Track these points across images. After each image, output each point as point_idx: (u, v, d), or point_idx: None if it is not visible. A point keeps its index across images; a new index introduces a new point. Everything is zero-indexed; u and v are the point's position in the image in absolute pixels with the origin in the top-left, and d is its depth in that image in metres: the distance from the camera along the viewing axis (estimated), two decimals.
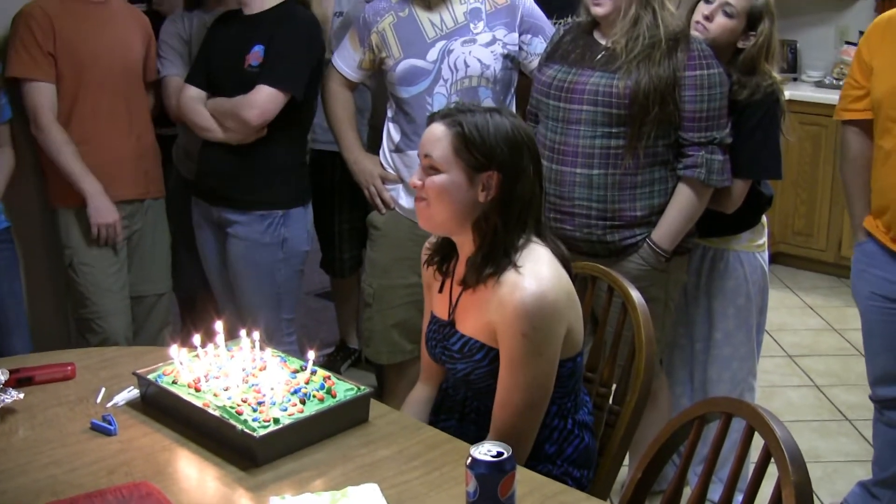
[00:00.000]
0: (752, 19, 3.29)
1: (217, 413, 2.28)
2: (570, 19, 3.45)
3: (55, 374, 2.65)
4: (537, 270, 2.31)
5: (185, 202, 3.93)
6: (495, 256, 2.35)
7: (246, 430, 2.20)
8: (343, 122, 3.82)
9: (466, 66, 3.52)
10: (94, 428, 2.37)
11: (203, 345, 2.51)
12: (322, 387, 2.40)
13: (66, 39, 3.59)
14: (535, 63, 3.53)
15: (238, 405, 2.30)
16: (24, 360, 2.80)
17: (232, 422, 2.23)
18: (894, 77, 3.13)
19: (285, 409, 2.28)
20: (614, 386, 2.69)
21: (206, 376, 2.44)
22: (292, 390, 2.37)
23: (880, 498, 3.48)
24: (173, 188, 4.11)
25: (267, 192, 3.68)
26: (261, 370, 2.47)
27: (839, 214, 6.32)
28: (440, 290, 2.56)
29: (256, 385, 2.39)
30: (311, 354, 2.47)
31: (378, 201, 3.73)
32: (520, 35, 3.59)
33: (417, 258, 2.66)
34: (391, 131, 3.69)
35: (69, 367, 2.67)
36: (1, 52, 3.66)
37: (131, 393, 2.53)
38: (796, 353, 5.30)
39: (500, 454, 1.84)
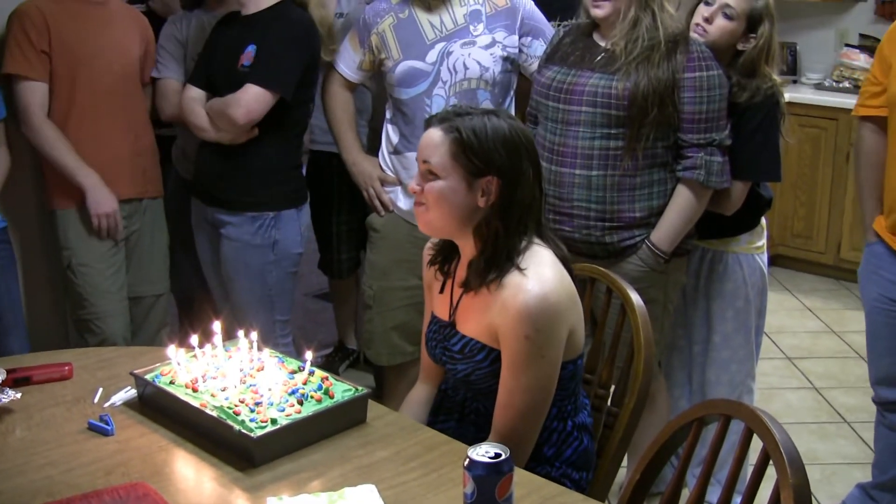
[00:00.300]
0: (752, 21, 3.28)
1: (214, 413, 2.27)
2: (571, 21, 3.45)
3: (52, 374, 2.64)
4: (540, 273, 2.31)
5: (183, 202, 3.93)
6: (498, 260, 2.35)
7: (243, 431, 2.19)
8: (342, 124, 3.82)
9: (466, 68, 3.52)
10: (92, 428, 2.37)
11: (201, 345, 2.51)
12: (320, 387, 2.39)
13: (62, 38, 3.58)
14: (535, 66, 3.53)
15: (235, 406, 2.29)
16: (21, 360, 2.80)
17: (229, 422, 2.23)
18: None
19: (283, 410, 2.28)
20: (613, 388, 2.69)
21: (203, 377, 2.43)
22: (290, 391, 2.36)
23: (879, 501, 3.48)
24: (172, 189, 4.11)
25: (258, 193, 3.67)
26: (258, 371, 2.47)
27: (838, 217, 6.33)
28: (441, 291, 2.55)
29: (254, 386, 2.38)
30: (309, 355, 2.46)
31: (377, 203, 3.73)
32: (520, 37, 3.59)
33: (417, 260, 2.65)
34: (390, 133, 3.69)
35: (66, 368, 2.66)
36: None
37: (128, 393, 2.53)
38: (795, 356, 5.29)
39: (497, 455, 1.83)
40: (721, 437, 2.07)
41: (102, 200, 3.67)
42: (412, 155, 3.51)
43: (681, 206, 3.23)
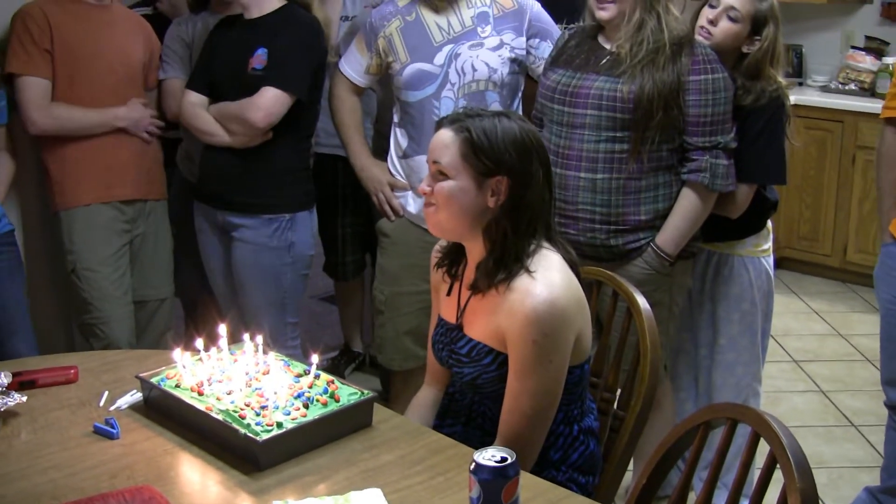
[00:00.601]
0: (757, 24, 3.28)
1: (220, 417, 2.27)
2: (576, 24, 3.44)
3: (58, 378, 2.64)
4: (549, 277, 2.31)
5: (188, 205, 3.92)
6: (506, 262, 2.34)
7: (249, 434, 2.19)
8: (350, 128, 3.81)
9: (474, 69, 3.51)
10: (97, 431, 2.36)
11: (206, 348, 2.51)
12: (325, 391, 2.39)
13: (64, 39, 3.59)
14: (542, 67, 3.52)
15: (241, 409, 2.29)
16: (26, 363, 2.79)
17: (235, 426, 2.22)
18: None
19: (288, 414, 2.28)
20: (619, 391, 2.69)
21: (209, 380, 2.43)
22: (296, 394, 2.36)
23: None
24: (176, 191, 4.10)
25: (274, 195, 3.68)
26: (264, 374, 2.47)
27: (844, 219, 6.32)
28: (448, 294, 2.55)
29: (260, 389, 2.38)
30: (315, 358, 2.46)
31: (387, 208, 3.72)
32: (527, 39, 3.58)
33: (427, 265, 2.65)
34: (398, 137, 3.68)
35: (72, 371, 2.66)
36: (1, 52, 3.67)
37: (134, 396, 2.53)
38: (801, 359, 5.28)
39: (503, 459, 1.83)
40: (728, 440, 2.06)
41: (134, 112, 3.76)
42: (421, 158, 3.51)
43: (686, 209, 3.22)
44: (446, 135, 2.36)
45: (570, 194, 3.20)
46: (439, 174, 2.36)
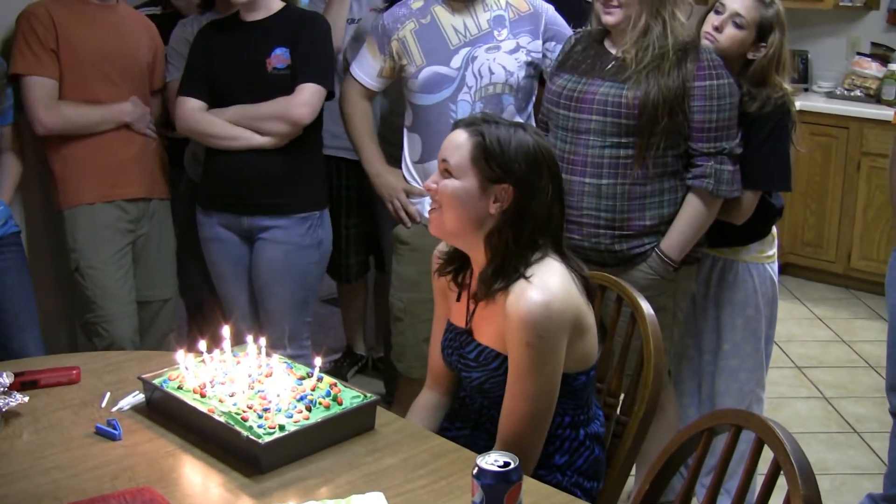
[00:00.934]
0: (763, 30, 3.27)
1: (222, 419, 2.27)
2: (583, 29, 3.44)
3: (60, 378, 2.64)
4: (545, 281, 2.31)
5: (194, 206, 3.89)
6: (505, 270, 2.35)
7: (251, 437, 2.19)
8: (363, 135, 3.77)
9: (491, 73, 3.49)
10: (99, 432, 2.36)
11: (209, 350, 2.51)
12: (328, 394, 2.39)
13: (68, 40, 3.59)
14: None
15: (243, 411, 2.29)
16: (29, 364, 2.80)
17: (237, 428, 2.22)
18: None
19: (291, 416, 2.27)
20: (622, 396, 2.68)
21: (211, 382, 2.43)
22: (298, 397, 2.36)
23: None
24: (183, 193, 4.10)
25: (306, 193, 3.70)
26: (267, 376, 2.46)
27: (849, 226, 6.31)
28: (458, 299, 2.56)
29: (262, 391, 2.38)
30: (318, 361, 2.46)
31: (403, 215, 3.68)
32: (543, 42, 3.56)
33: None
34: (411, 142, 3.65)
35: (74, 371, 2.66)
36: (4, 50, 3.67)
37: (136, 397, 2.53)
38: (804, 365, 5.28)
39: (506, 464, 1.83)
40: (731, 447, 2.06)
41: (139, 109, 3.78)
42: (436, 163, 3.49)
43: (690, 214, 3.22)
44: (460, 136, 2.38)
45: (574, 199, 3.19)
46: (446, 172, 2.38)
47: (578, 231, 3.21)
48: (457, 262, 2.55)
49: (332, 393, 2.39)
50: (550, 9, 3.62)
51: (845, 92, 6.60)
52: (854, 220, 6.30)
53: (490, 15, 3.53)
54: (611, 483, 2.55)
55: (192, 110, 3.62)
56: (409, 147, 3.66)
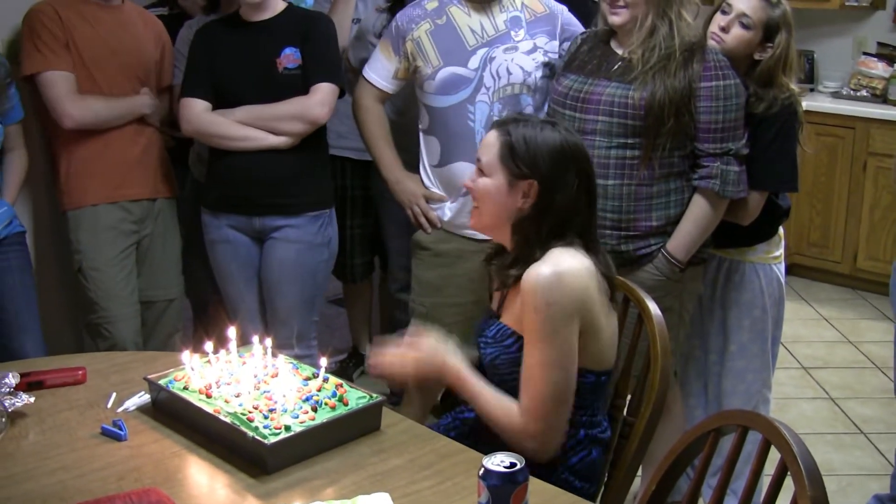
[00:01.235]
0: (769, 31, 3.26)
1: (228, 420, 2.27)
2: (589, 29, 3.43)
3: (66, 379, 2.64)
4: (557, 258, 2.40)
5: (199, 206, 3.89)
6: (525, 259, 2.45)
7: (257, 438, 2.19)
8: (380, 140, 3.72)
9: (509, 73, 3.46)
10: (105, 433, 2.36)
11: (215, 351, 2.50)
12: (334, 394, 2.39)
13: (74, 39, 3.59)
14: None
15: (249, 412, 2.29)
16: (34, 364, 2.79)
17: (243, 429, 2.22)
18: None
19: (297, 417, 2.27)
20: (629, 397, 2.68)
21: (217, 382, 2.43)
22: (304, 398, 2.36)
23: None
24: (188, 193, 4.10)
25: (317, 191, 3.71)
26: (272, 377, 2.47)
27: (855, 226, 6.31)
28: (496, 288, 2.68)
29: (268, 392, 2.38)
30: (324, 361, 2.46)
31: (423, 221, 3.64)
32: (560, 43, 3.54)
33: (466, 275, 2.71)
34: (429, 145, 3.60)
35: (80, 372, 2.66)
36: (10, 52, 3.67)
37: (142, 398, 2.53)
38: (811, 366, 5.27)
39: (512, 465, 1.82)
40: (738, 447, 2.05)
41: (155, 105, 3.83)
42: (458, 165, 3.48)
43: (697, 215, 3.21)
44: (492, 136, 2.53)
45: None
46: (480, 171, 2.54)
47: None
48: (499, 253, 2.66)
49: (338, 393, 2.39)
50: (566, 10, 3.61)
51: (851, 92, 6.59)
52: (860, 220, 6.29)
53: (507, 16, 3.51)
54: (617, 484, 2.55)
55: (198, 112, 3.60)
56: (427, 151, 3.62)
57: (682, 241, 3.21)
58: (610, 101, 3.14)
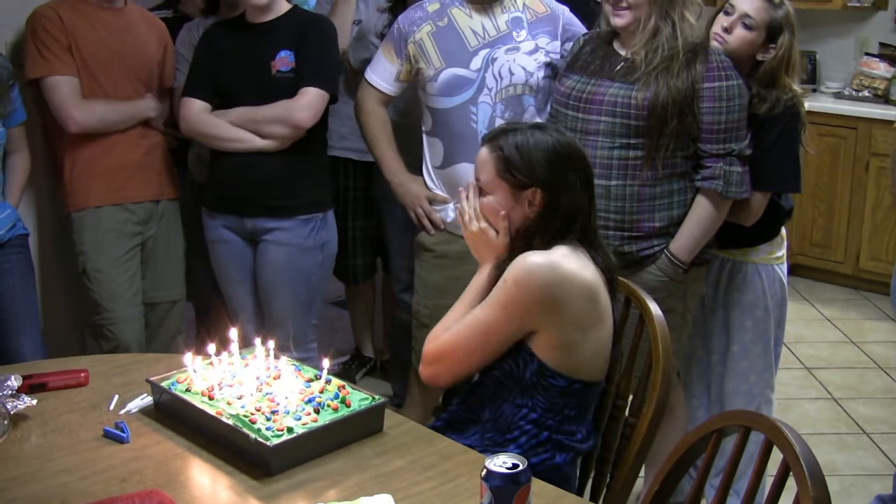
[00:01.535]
0: (772, 32, 3.26)
1: (230, 421, 2.27)
2: (592, 30, 3.43)
3: (68, 381, 2.64)
4: (560, 256, 2.40)
5: (200, 209, 3.89)
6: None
7: (259, 439, 2.19)
8: (383, 142, 3.72)
9: (511, 74, 3.46)
10: (107, 435, 2.36)
11: (217, 353, 2.50)
12: (336, 396, 2.38)
13: (77, 43, 3.59)
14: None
15: (252, 414, 2.29)
16: (37, 367, 2.79)
17: (245, 430, 2.22)
18: None
19: (299, 419, 2.27)
20: (631, 398, 2.68)
21: (219, 384, 2.43)
22: (306, 399, 2.36)
23: None
24: (188, 194, 4.10)
25: (309, 195, 3.69)
26: (275, 379, 2.46)
27: (857, 226, 6.30)
28: None
29: (270, 394, 2.38)
30: (326, 363, 2.46)
31: (426, 223, 3.65)
32: (562, 43, 3.54)
33: (469, 277, 2.68)
34: (432, 147, 3.61)
35: (82, 374, 2.66)
36: (14, 54, 3.67)
37: (144, 400, 2.52)
38: (813, 366, 5.27)
39: (515, 466, 1.82)
40: (740, 448, 2.05)
41: (159, 109, 3.85)
42: (461, 166, 3.49)
43: (700, 216, 3.21)
44: (484, 152, 2.51)
45: None
46: (482, 191, 2.52)
47: None
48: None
49: (341, 395, 2.39)
50: (567, 10, 3.61)
51: (853, 92, 6.59)
52: (863, 220, 6.29)
53: (508, 16, 3.51)
54: (619, 485, 2.55)
55: (196, 111, 3.62)
56: (430, 152, 3.62)
57: (685, 241, 3.21)
58: (613, 102, 3.14)
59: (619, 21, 3.18)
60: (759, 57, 3.29)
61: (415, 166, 3.67)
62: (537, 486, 1.98)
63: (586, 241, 2.48)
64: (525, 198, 2.45)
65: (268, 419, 2.26)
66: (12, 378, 2.45)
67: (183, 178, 4.12)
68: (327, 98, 3.58)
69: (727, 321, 3.53)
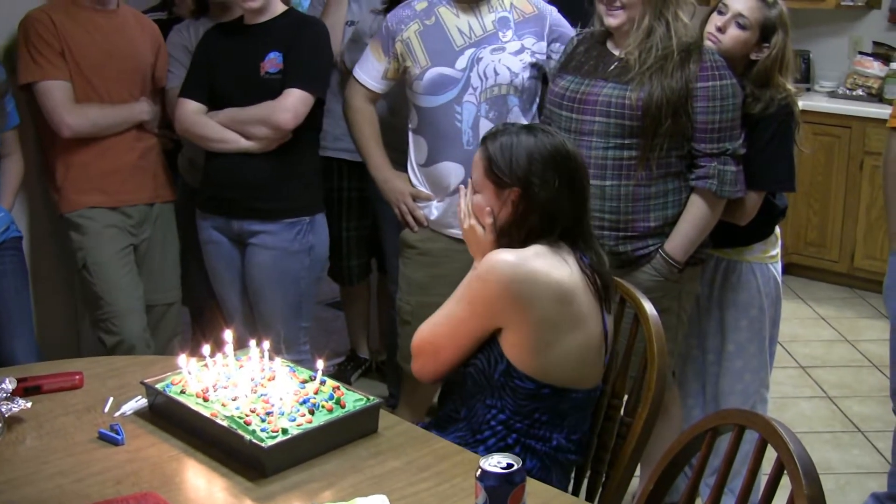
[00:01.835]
0: (766, 31, 3.27)
1: (225, 423, 2.27)
2: (586, 30, 3.43)
3: (63, 383, 2.64)
4: (531, 256, 2.41)
5: (192, 211, 3.89)
6: None
7: (254, 441, 2.18)
8: (370, 140, 3.73)
9: (496, 73, 3.46)
10: (102, 437, 2.36)
11: (212, 354, 2.50)
12: (331, 397, 2.38)
13: (70, 46, 3.59)
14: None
15: (246, 415, 2.29)
16: (31, 369, 2.79)
17: (240, 432, 2.22)
18: None
19: (294, 420, 2.27)
20: (626, 397, 2.68)
21: (214, 386, 2.42)
22: (301, 400, 2.36)
23: None
24: (179, 198, 4.09)
25: (295, 199, 3.68)
26: (270, 380, 2.46)
27: (852, 225, 6.31)
28: None
29: (265, 395, 2.38)
30: (321, 364, 2.46)
31: (409, 220, 3.65)
32: (548, 44, 3.55)
33: (453, 275, 2.70)
34: (417, 145, 3.62)
35: (77, 376, 2.66)
36: (6, 58, 3.67)
37: (139, 402, 2.52)
38: (808, 365, 5.27)
39: (509, 466, 1.82)
40: (735, 447, 2.06)
41: (153, 112, 3.85)
42: (445, 165, 3.50)
43: (694, 215, 3.21)
44: (477, 152, 2.54)
45: None
46: (474, 190, 2.56)
47: None
48: None
49: (336, 396, 2.39)
50: (554, 10, 3.61)
51: (847, 91, 6.59)
52: (857, 219, 6.29)
53: (495, 16, 3.51)
54: (614, 484, 2.55)
55: (190, 112, 3.64)
56: (415, 150, 3.63)
57: (679, 241, 3.21)
58: (607, 102, 3.14)
59: (612, 21, 3.18)
60: (753, 56, 3.30)
61: (404, 164, 3.68)
62: (532, 485, 1.98)
63: (570, 240, 2.47)
64: (507, 197, 2.45)
65: (262, 420, 2.26)
66: (7, 381, 2.45)
67: (177, 181, 4.11)
68: (311, 100, 3.57)
69: (722, 320, 3.53)
